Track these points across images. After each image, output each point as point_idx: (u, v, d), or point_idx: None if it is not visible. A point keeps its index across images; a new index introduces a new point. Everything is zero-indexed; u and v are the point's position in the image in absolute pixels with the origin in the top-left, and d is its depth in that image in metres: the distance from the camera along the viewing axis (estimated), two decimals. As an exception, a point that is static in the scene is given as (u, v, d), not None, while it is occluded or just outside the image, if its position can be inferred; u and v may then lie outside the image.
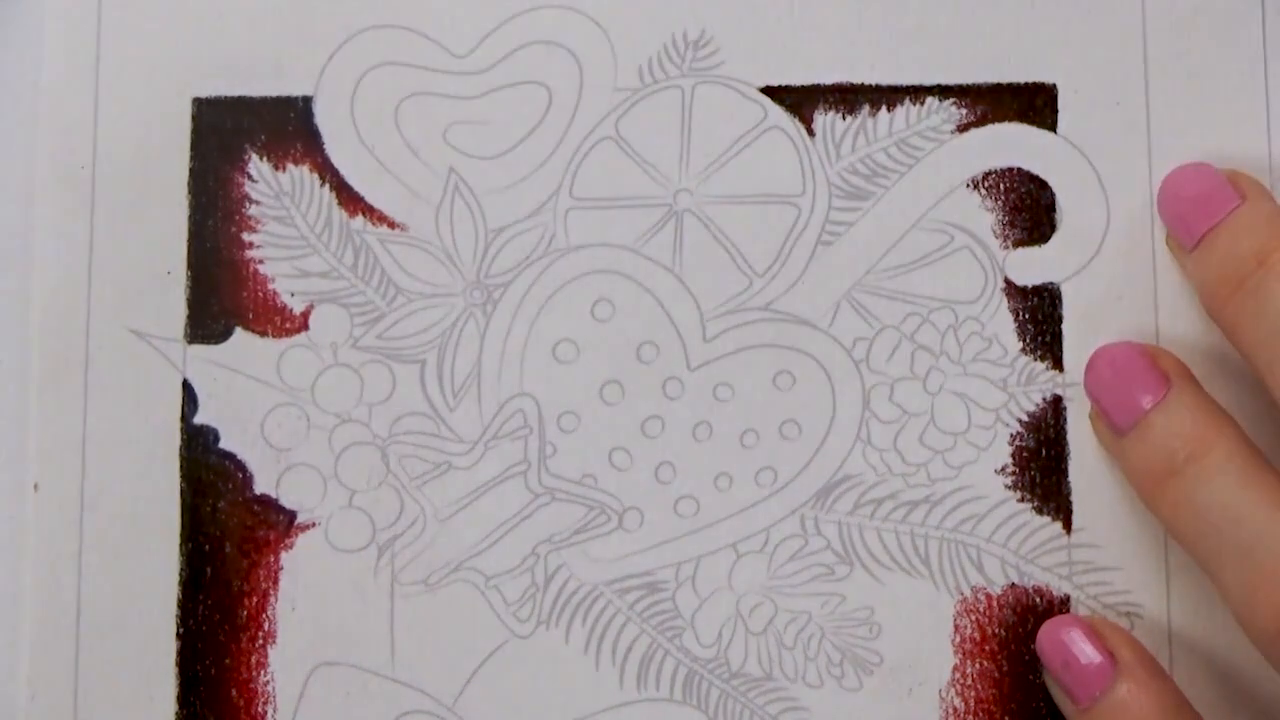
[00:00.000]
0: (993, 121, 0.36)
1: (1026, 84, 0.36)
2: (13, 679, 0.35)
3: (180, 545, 0.35)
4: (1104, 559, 0.35)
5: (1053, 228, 0.36)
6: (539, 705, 0.35)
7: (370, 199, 0.36)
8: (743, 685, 0.35)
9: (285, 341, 0.35)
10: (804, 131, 0.36)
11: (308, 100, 0.36)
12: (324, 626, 0.35)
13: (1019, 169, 0.36)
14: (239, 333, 0.35)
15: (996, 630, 0.35)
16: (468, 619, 0.35)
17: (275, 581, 0.35)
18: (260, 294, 0.35)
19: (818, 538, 0.35)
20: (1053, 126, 0.36)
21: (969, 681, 0.35)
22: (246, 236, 0.36)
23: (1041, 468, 0.35)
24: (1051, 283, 0.35)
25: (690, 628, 0.35)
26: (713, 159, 0.36)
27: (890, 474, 0.35)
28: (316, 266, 0.36)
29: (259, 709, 0.35)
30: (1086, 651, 0.33)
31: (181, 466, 0.35)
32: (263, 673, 0.35)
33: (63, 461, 0.35)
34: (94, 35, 0.36)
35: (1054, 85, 0.36)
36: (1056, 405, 0.35)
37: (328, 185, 0.36)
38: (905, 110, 0.36)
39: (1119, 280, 0.35)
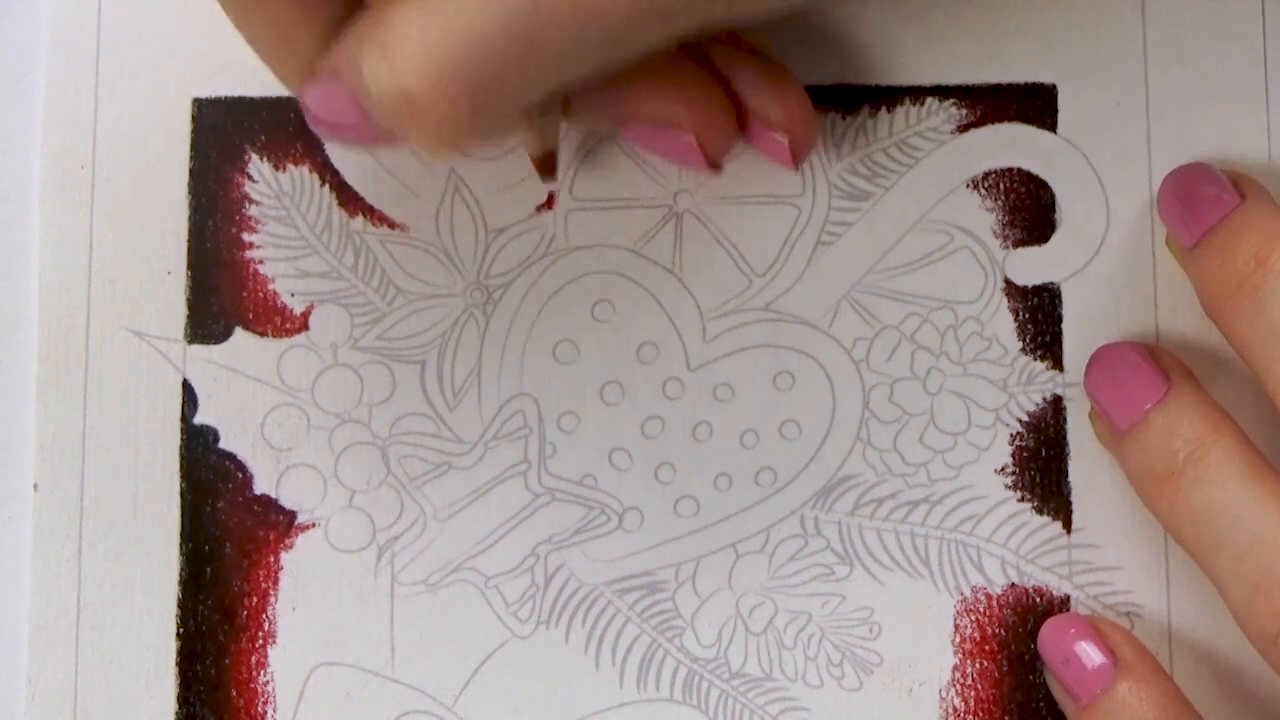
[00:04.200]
0: (993, 121, 0.36)
1: (1026, 84, 0.36)
2: (13, 679, 0.35)
3: (180, 545, 0.35)
4: (1104, 559, 0.35)
5: (1053, 228, 0.36)
6: (539, 705, 0.35)
7: (370, 199, 0.36)
8: (743, 685, 0.35)
9: (285, 341, 0.35)
10: (804, 131, 0.36)
11: (308, 100, 0.36)
12: (324, 626, 0.35)
13: (1019, 169, 0.36)
14: (239, 333, 0.35)
15: (996, 630, 0.35)
16: (468, 619, 0.35)
17: (275, 581, 0.35)
18: (260, 294, 0.35)
19: (818, 538, 0.35)
20: (1053, 127, 0.36)
21: (969, 681, 0.35)
22: (246, 237, 0.36)
23: (1041, 468, 0.35)
24: (1051, 283, 0.35)
25: (690, 628, 0.35)
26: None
27: (890, 474, 0.35)
28: (316, 267, 0.36)
29: (259, 709, 0.35)
30: (1087, 650, 0.33)
31: (181, 466, 0.35)
32: (263, 673, 0.35)
33: (63, 461, 0.35)
34: (94, 35, 0.36)
35: (1054, 85, 0.36)
36: (1056, 405, 0.35)
37: (328, 185, 0.36)
38: (905, 110, 0.36)
39: (1119, 280, 0.35)
